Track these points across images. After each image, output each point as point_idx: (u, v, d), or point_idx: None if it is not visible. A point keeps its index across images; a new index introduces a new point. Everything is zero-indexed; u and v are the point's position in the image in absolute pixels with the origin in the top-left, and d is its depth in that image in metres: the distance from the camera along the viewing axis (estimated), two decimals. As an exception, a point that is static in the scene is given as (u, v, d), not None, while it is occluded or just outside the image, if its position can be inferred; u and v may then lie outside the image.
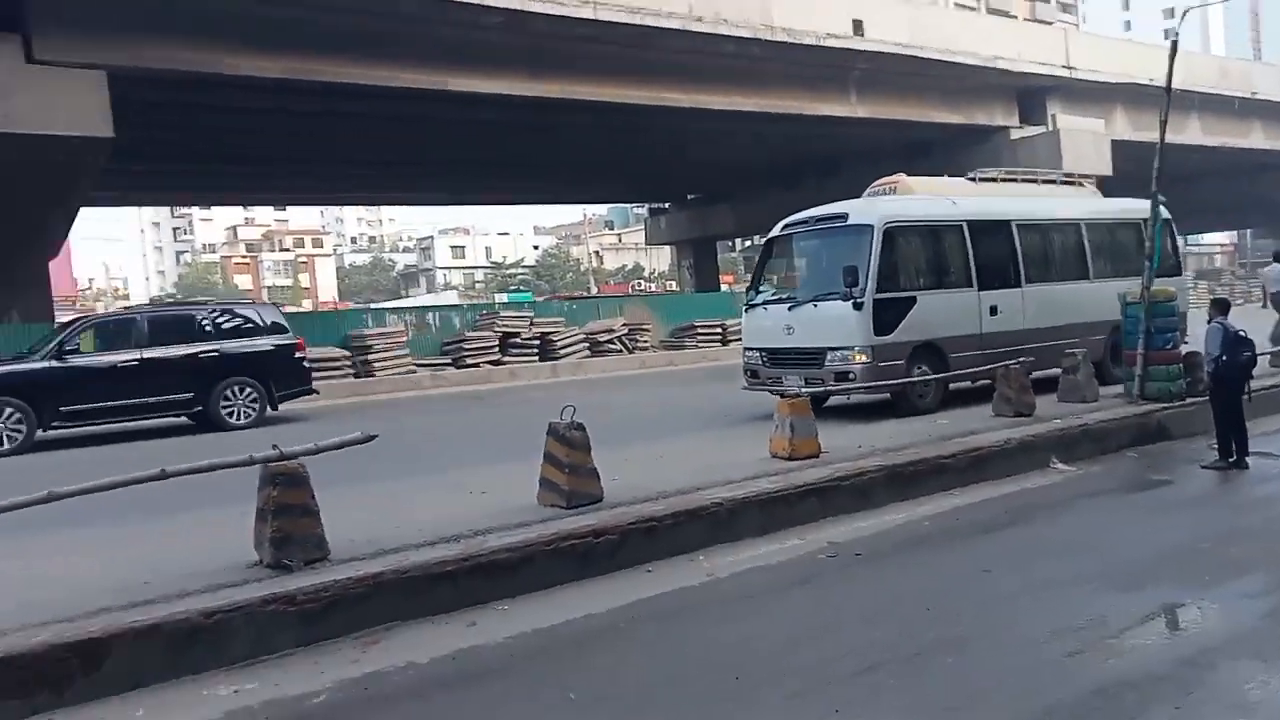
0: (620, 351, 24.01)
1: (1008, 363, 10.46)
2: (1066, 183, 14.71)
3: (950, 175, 14.19)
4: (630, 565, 6.13)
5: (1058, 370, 11.23)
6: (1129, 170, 22.15)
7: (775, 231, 12.19)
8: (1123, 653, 4.53)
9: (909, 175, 12.91)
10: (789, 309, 11.33)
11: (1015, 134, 28.70)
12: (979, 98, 27.89)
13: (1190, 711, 3.87)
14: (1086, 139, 28.17)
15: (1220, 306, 9.14)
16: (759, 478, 7.49)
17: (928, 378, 10.98)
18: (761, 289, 12.11)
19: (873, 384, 10.52)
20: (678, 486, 7.19)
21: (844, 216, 11.38)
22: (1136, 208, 13.99)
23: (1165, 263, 12.89)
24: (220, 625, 4.67)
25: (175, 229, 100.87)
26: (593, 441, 6.89)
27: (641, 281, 70.00)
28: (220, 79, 17.92)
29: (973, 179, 13.35)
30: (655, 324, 26.06)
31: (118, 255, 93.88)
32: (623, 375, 21.46)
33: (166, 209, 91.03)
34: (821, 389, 10.69)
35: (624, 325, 24.78)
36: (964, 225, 11.67)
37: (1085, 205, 14.11)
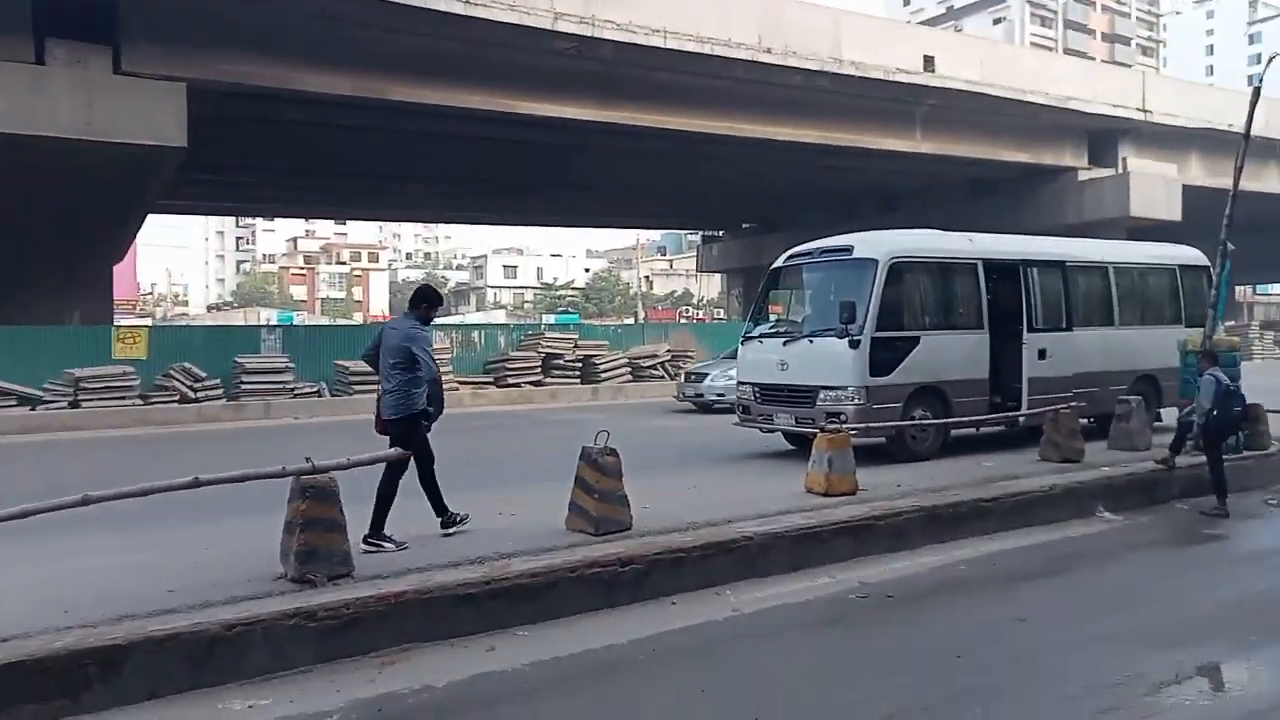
0: (663, 377, 23.94)
1: (1057, 407, 10.19)
2: None
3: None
4: (655, 596, 6.05)
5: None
6: (1201, 217, 21.58)
7: (779, 262, 11.67)
8: (1160, 712, 4.34)
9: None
10: (784, 344, 10.77)
11: (1083, 175, 28.24)
12: (1048, 138, 27.51)
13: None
14: (1158, 183, 27.60)
15: (1211, 358, 9.22)
16: (792, 513, 7.37)
17: (925, 423, 10.35)
18: (762, 321, 11.64)
19: (864, 425, 9.78)
20: (708, 518, 7.11)
21: (849, 249, 10.84)
22: (1168, 253, 13.58)
23: (1196, 311, 12.35)
24: (239, 638, 4.69)
25: (239, 238, 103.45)
26: (626, 467, 6.85)
27: (690, 308, 69.90)
28: (290, 94, 18.45)
29: None
30: (700, 351, 25.94)
31: (181, 262, 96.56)
32: (663, 401, 21.38)
33: (231, 219, 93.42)
34: (811, 429, 9.53)
35: (668, 351, 24.73)
36: (978, 264, 11.09)
37: (1110, 249, 13.66)
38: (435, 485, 6.64)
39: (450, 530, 6.64)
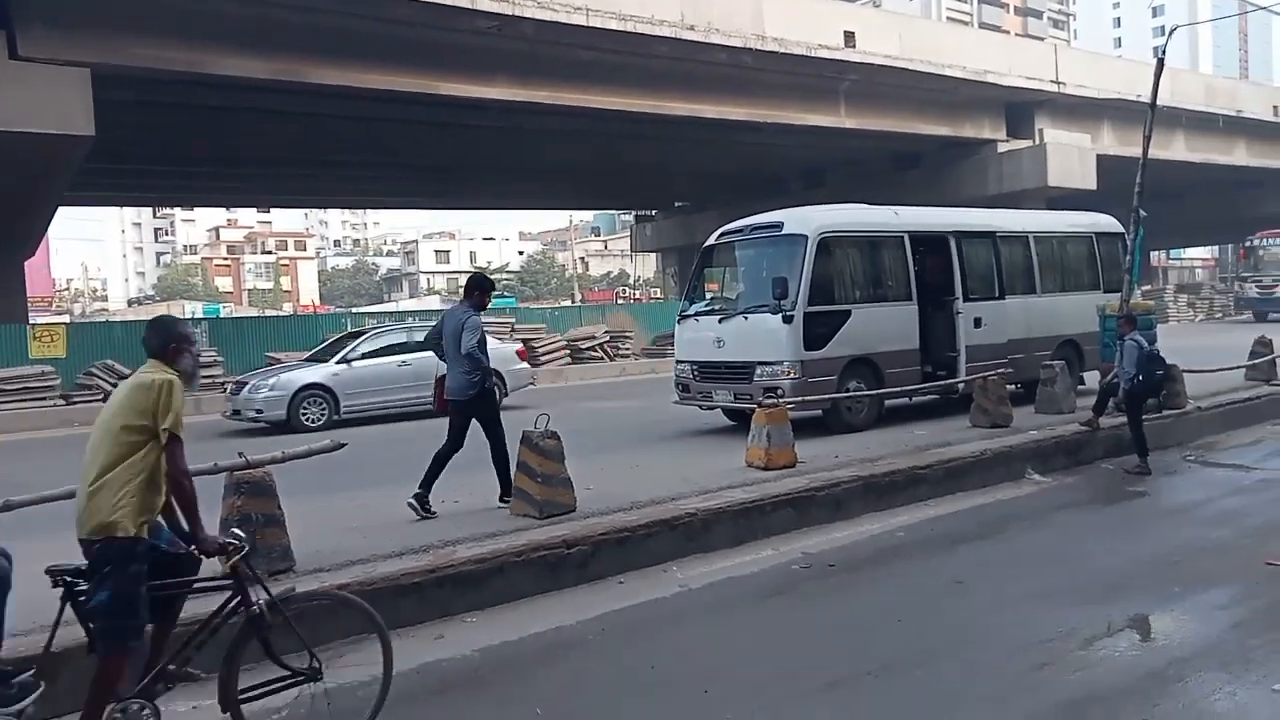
0: (602, 359, 23.95)
1: (985, 374, 10.46)
2: None
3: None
4: (602, 576, 6.08)
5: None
6: (1115, 185, 22.27)
7: (711, 240, 11.76)
8: (1091, 665, 4.52)
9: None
10: (719, 321, 10.88)
11: (1002, 147, 28.87)
12: (967, 111, 28.05)
13: (1156, 727, 3.85)
14: (1072, 153, 28.38)
15: (1130, 322, 9.64)
16: (734, 488, 7.47)
17: (860, 394, 10.54)
18: (696, 300, 11.73)
19: (801, 399, 9.85)
20: (652, 496, 7.17)
21: (779, 225, 10.98)
22: (1084, 221, 14.03)
23: (1113, 277, 12.77)
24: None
25: (157, 229, 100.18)
26: (568, 450, 6.85)
27: (626, 288, 69.95)
28: (206, 79, 17.82)
29: None
30: (638, 331, 26.03)
31: (97, 256, 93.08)
32: (603, 383, 21.40)
33: (148, 210, 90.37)
34: (750, 404, 9.62)
35: (606, 332, 24.73)
36: (905, 237, 11.29)
37: (1032, 219, 14.05)
38: (506, 459, 7.07)
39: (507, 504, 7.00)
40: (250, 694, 3.84)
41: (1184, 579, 5.79)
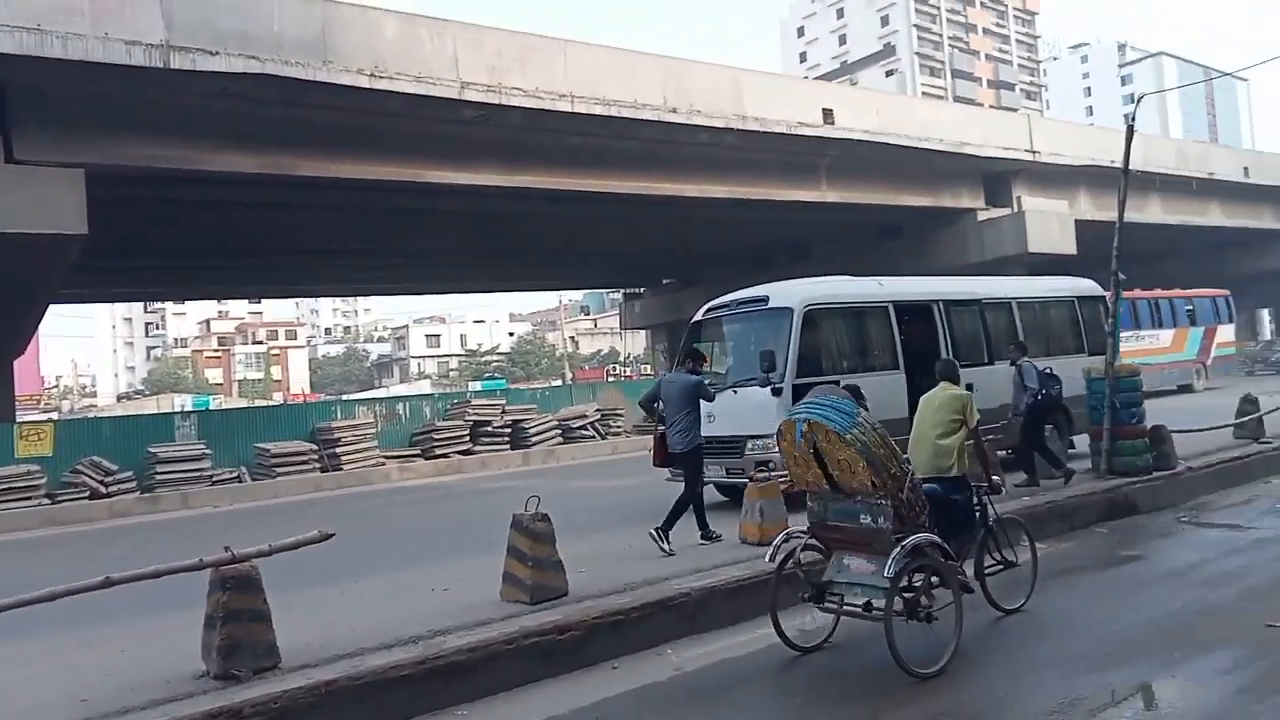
0: (593, 437, 23.87)
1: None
2: None
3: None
4: (596, 662, 5.96)
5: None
6: (1095, 249, 22.64)
7: (698, 315, 11.87)
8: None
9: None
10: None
11: (982, 215, 29.42)
12: (946, 181, 28.65)
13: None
14: (1051, 219, 28.91)
15: (1020, 349, 10.75)
16: (728, 565, 7.38)
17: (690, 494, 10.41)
18: None
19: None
20: (645, 577, 7.07)
21: (765, 299, 11.14)
22: (1066, 285, 14.22)
23: (1097, 340, 12.89)
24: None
25: (148, 324, 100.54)
26: (560, 532, 6.78)
27: (617, 365, 70.14)
28: (196, 174, 18.10)
29: None
30: (629, 409, 25.98)
31: (87, 352, 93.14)
32: (595, 462, 21.29)
33: (140, 304, 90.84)
34: (742, 479, 9.47)
35: (597, 410, 24.69)
36: (889, 306, 11.45)
37: (1015, 285, 14.21)
38: (701, 505, 8.58)
39: (707, 541, 8.44)
40: (987, 572, 6.48)
41: (1185, 644, 5.72)
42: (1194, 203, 34.50)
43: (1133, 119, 13.56)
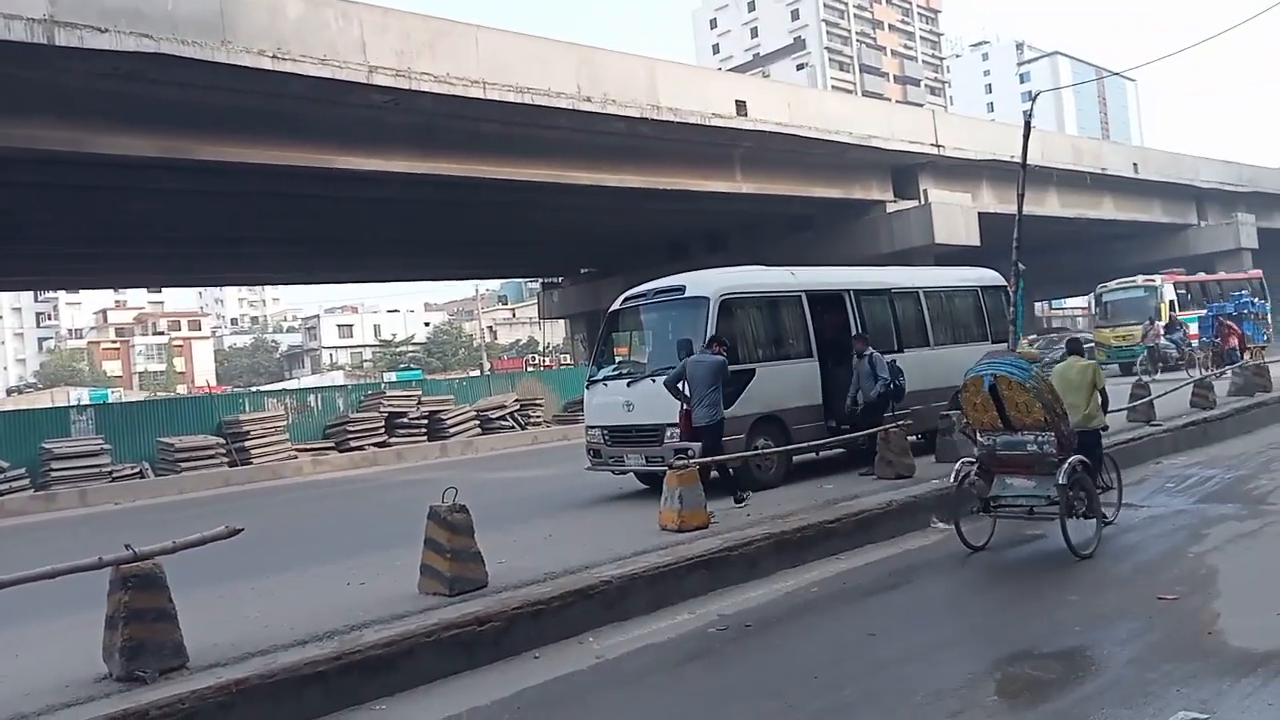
0: (513, 428, 23.72)
1: (887, 426, 10.73)
2: None
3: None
4: (518, 652, 5.93)
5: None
6: (998, 240, 23.44)
7: (616, 304, 11.90)
8: (1002, 710, 4.60)
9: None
10: (628, 385, 10.96)
11: (891, 207, 30.14)
12: (856, 174, 29.26)
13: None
14: (956, 212, 29.78)
15: (865, 341, 11.21)
16: (648, 552, 7.42)
17: (768, 450, 10.62)
18: (605, 364, 11.80)
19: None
20: (565, 566, 7.05)
21: (681, 289, 11.22)
22: (970, 276, 14.72)
23: (1000, 328, 13.39)
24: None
25: (39, 314, 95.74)
26: (479, 523, 6.72)
27: (536, 355, 69.70)
28: (86, 157, 17.23)
29: None
30: (549, 398, 25.91)
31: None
32: (515, 452, 21.17)
33: (28, 294, 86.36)
34: (661, 467, 9.40)
35: (516, 401, 24.55)
36: (802, 296, 11.66)
37: (923, 275, 14.62)
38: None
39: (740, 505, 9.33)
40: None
41: (1083, 618, 5.97)
42: (1089, 197, 35.99)
43: (1030, 115, 14.10)
